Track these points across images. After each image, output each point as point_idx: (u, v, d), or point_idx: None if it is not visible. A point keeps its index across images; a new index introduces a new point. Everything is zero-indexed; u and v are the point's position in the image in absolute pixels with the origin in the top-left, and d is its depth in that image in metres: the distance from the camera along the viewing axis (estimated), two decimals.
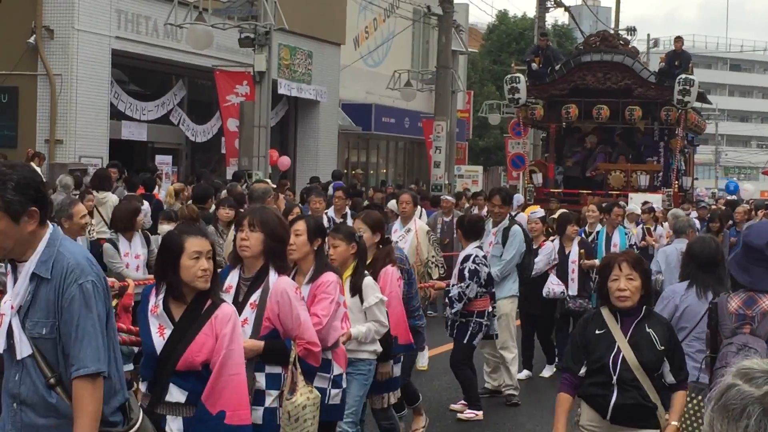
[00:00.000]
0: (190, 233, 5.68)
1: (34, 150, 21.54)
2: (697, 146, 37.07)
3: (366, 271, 8.08)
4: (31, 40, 23.00)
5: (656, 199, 23.55)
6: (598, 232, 15.50)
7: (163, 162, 26.48)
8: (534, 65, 27.13)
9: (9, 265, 4.56)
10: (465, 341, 11.03)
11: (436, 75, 33.36)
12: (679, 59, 26.69)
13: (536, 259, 13.17)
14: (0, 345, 4.49)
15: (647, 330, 6.29)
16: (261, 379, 6.21)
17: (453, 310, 10.98)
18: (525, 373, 13.58)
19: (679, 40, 27.39)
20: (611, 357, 6.25)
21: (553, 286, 13.45)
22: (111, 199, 15.84)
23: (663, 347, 6.26)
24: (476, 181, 36.98)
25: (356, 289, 7.89)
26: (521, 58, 30.61)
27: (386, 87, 34.83)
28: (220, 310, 5.46)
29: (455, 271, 11.19)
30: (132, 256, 10.79)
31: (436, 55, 34.96)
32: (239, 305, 6.10)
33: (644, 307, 6.37)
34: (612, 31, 29.52)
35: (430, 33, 40.22)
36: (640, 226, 19.38)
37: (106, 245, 10.81)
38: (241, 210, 11.95)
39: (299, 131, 33.83)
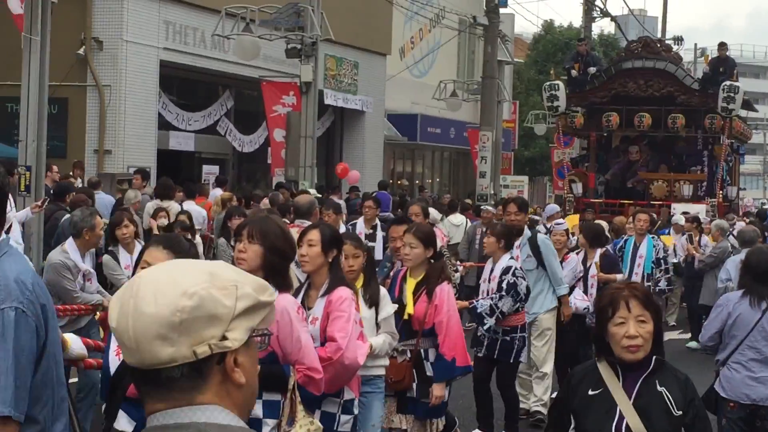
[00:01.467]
0: (152, 243, 5.47)
1: (82, 160, 21.74)
2: (743, 155, 36.66)
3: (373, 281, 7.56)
4: (81, 51, 23.26)
5: (700, 209, 22.98)
6: (626, 242, 14.96)
7: (210, 172, 26.63)
8: (574, 72, 26.88)
9: None
10: (512, 360, 10.29)
11: (482, 85, 33.33)
12: (723, 66, 26.26)
13: (563, 274, 12.51)
14: None
15: (658, 389, 4.78)
16: (258, 407, 5.42)
17: (485, 326, 10.12)
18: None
19: (723, 46, 27.02)
20: (612, 426, 4.75)
21: (576, 301, 12.56)
22: (174, 207, 15.79)
23: (680, 411, 4.75)
24: (522, 191, 36.91)
25: (374, 302, 7.39)
26: (562, 66, 30.44)
27: (432, 97, 34.84)
28: None
29: (486, 286, 10.44)
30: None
31: (481, 66, 34.94)
32: None
33: (654, 357, 4.80)
34: (655, 39, 29.16)
35: (475, 43, 40.21)
36: (684, 236, 18.86)
37: (106, 257, 10.63)
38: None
39: (345, 141, 33.92)
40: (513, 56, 39.70)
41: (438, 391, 8.18)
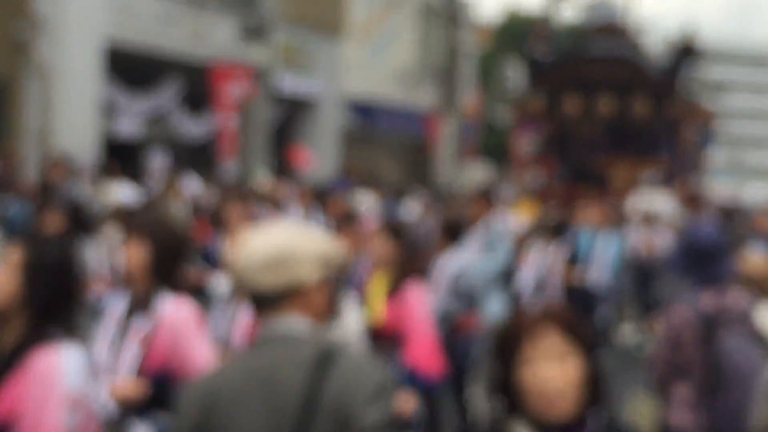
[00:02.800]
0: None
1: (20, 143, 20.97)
2: (708, 143, 36.70)
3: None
4: (21, 30, 22.43)
5: (661, 198, 22.55)
6: (579, 237, 13.23)
7: (157, 159, 25.80)
8: (535, 54, 26.30)
9: None
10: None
11: (444, 72, 32.73)
12: (687, 51, 26.04)
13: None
14: None
15: None
16: (144, 429, 4.93)
17: None
18: None
19: (689, 32, 26.67)
20: None
21: None
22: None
23: None
24: (484, 181, 36.39)
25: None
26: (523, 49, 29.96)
27: (391, 83, 34.18)
28: None
29: None
30: None
31: (442, 51, 34.31)
32: (121, 339, 4.99)
33: (588, 415, 3.26)
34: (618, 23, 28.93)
35: (437, 29, 39.58)
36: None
37: None
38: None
39: (300, 127, 33.14)
40: (475, 43, 39.15)
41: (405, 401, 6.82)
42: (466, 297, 9.18)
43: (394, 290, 7.26)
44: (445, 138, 31.41)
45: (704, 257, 6.04)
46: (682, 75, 24.68)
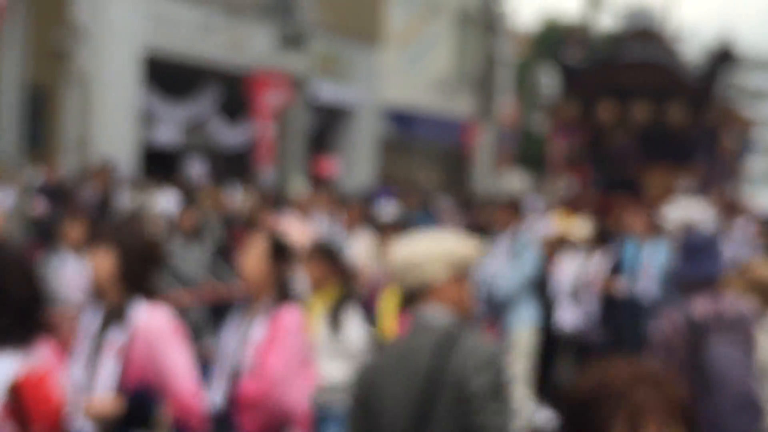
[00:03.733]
0: None
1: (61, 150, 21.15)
2: (747, 152, 36.37)
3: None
4: (61, 40, 22.62)
5: (698, 206, 22.50)
6: (625, 246, 12.88)
7: (194, 166, 25.98)
8: (568, 59, 25.95)
9: None
10: None
11: (481, 80, 32.74)
12: (725, 58, 25.39)
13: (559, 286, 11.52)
14: None
15: None
16: None
17: None
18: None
19: (726, 38, 26.18)
20: None
21: (567, 316, 11.58)
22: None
23: None
24: (521, 189, 36.36)
25: (337, 323, 6.73)
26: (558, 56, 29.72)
27: (428, 91, 34.22)
28: None
29: None
30: None
31: (480, 60, 34.33)
32: (95, 351, 4.81)
33: None
34: (653, 28, 28.53)
35: (474, 37, 39.58)
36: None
37: None
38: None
39: (337, 135, 33.21)
40: (512, 52, 39.15)
41: None
42: (492, 305, 9.14)
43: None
44: (482, 146, 31.42)
45: (696, 254, 6.03)
46: (719, 81, 24.10)
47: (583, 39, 27.86)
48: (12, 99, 15.45)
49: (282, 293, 5.62)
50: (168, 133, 25.87)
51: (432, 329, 4.17)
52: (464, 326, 4.20)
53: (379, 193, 21.96)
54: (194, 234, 12.10)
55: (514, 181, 36.89)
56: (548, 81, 25.58)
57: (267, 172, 23.75)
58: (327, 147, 32.91)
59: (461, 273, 4.26)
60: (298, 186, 22.81)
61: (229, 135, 27.76)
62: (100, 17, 22.81)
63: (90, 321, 4.91)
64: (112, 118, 23.05)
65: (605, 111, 24.65)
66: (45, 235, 12.02)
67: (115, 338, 4.74)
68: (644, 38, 25.44)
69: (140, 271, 4.80)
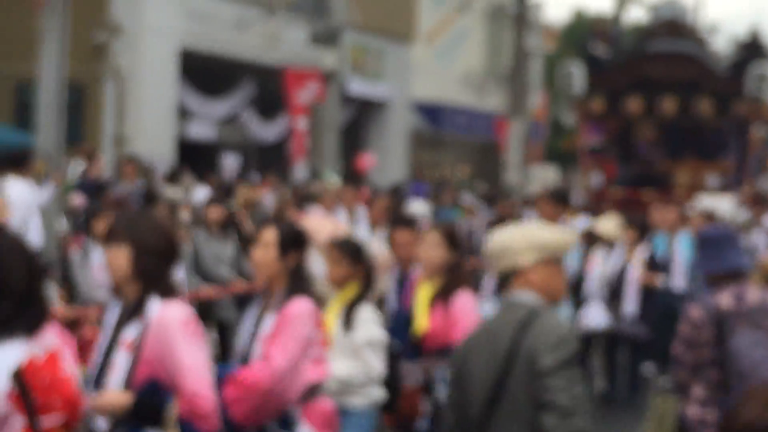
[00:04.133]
0: None
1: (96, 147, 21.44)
2: None
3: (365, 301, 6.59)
4: (99, 37, 22.95)
5: (727, 201, 21.53)
6: (655, 241, 13.03)
7: (230, 161, 26.24)
8: (595, 51, 25.44)
9: None
10: None
11: (511, 74, 32.86)
12: (754, 49, 24.83)
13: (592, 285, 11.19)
14: None
15: None
16: None
17: None
18: None
19: (757, 31, 25.51)
20: None
21: (595, 316, 11.32)
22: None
23: None
24: (550, 184, 36.44)
25: (351, 321, 6.46)
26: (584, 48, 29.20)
27: (459, 86, 34.38)
28: None
29: None
30: None
31: (510, 54, 34.47)
32: (111, 347, 4.75)
33: None
34: (681, 20, 27.67)
35: (504, 31, 39.70)
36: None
37: None
38: None
39: (369, 130, 33.46)
40: (542, 45, 39.23)
41: None
42: None
43: (441, 298, 6.96)
44: (513, 140, 31.58)
45: (712, 247, 6.15)
46: (749, 74, 23.35)
47: (609, 31, 27.52)
48: (51, 96, 15.73)
49: (294, 285, 5.55)
50: (203, 127, 26.20)
51: (517, 309, 4.58)
52: (546, 307, 4.58)
53: (413, 189, 22.10)
54: (221, 229, 12.26)
55: (545, 175, 36.97)
56: (576, 74, 25.16)
57: (300, 166, 24.01)
58: (359, 142, 33.19)
59: (550, 259, 4.65)
60: (330, 181, 23.05)
61: (263, 130, 28.08)
62: (138, 14, 23.17)
63: (110, 317, 4.85)
64: (149, 114, 23.41)
65: (632, 104, 24.21)
66: (82, 229, 12.28)
67: (129, 334, 4.65)
68: (672, 31, 24.83)
69: (155, 266, 4.69)
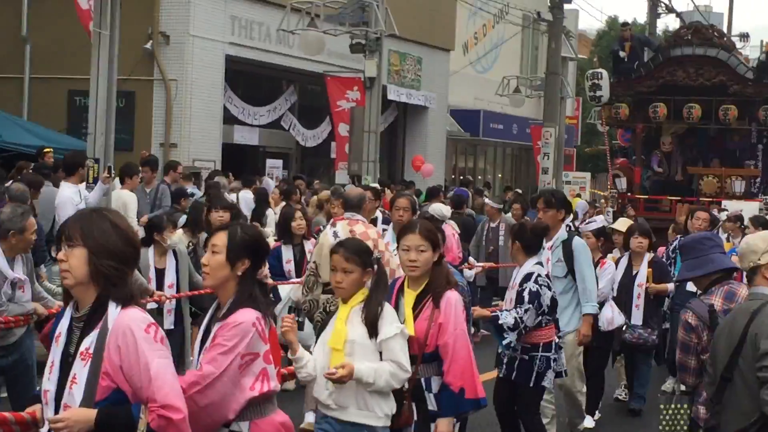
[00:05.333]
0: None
1: (149, 152, 21.96)
2: None
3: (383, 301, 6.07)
4: (148, 45, 23.54)
5: (752, 207, 21.15)
6: (675, 246, 12.75)
7: (274, 166, 26.86)
8: (622, 53, 24.88)
9: None
10: (532, 384, 8.59)
11: (545, 81, 33.25)
12: None
13: (600, 285, 10.50)
14: None
15: None
16: None
17: (505, 342, 8.48)
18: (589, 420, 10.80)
19: None
20: None
21: (613, 314, 10.79)
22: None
23: None
24: (584, 188, 36.81)
25: (371, 322, 5.94)
26: (609, 51, 28.69)
27: (495, 93, 34.80)
28: None
29: (508, 294, 8.84)
30: None
31: (545, 62, 34.89)
32: (68, 356, 4.34)
33: None
34: (707, 25, 26.42)
35: (539, 39, 40.13)
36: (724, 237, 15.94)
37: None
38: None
39: (408, 137, 34.00)
40: (577, 52, 39.61)
41: (444, 427, 6.37)
42: (543, 308, 8.60)
43: (427, 301, 6.44)
44: (547, 146, 31.96)
45: (696, 252, 6.31)
46: None
47: (637, 35, 26.74)
48: (102, 103, 16.21)
49: (242, 295, 5.04)
50: (248, 133, 26.77)
51: (755, 300, 5.64)
52: None
53: (458, 191, 22.39)
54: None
55: (578, 182, 37.35)
56: (594, 76, 24.72)
57: (342, 171, 24.52)
58: (399, 148, 33.74)
59: None
60: (368, 183, 23.51)
61: (306, 135, 28.65)
62: (185, 23, 23.74)
63: (61, 325, 4.45)
64: (197, 120, 23.97)
65: (658, 108, 23.71)
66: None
67: (87, 342, 4.27)
68: (700, 35, 24.24)
69: (111, 269, 4.30)
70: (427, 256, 6.43)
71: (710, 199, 22.46)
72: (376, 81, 24.20)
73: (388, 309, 6.03)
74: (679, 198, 22.99)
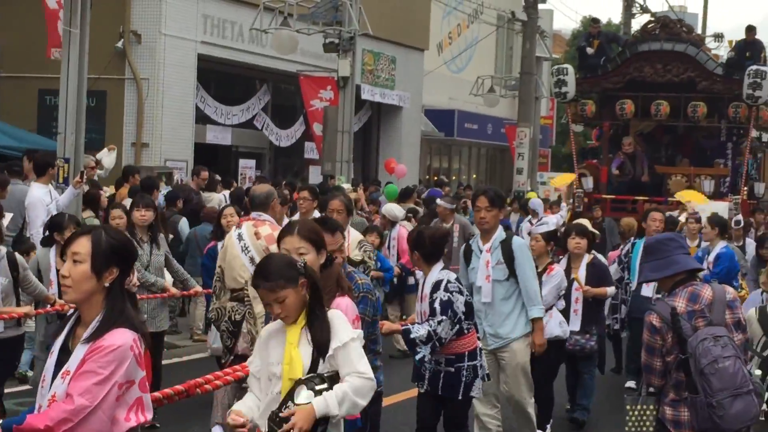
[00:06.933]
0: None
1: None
2: None
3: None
4: (119, 44, 23.32)
5: (722, 207, 20.72)
6: (633, 245, 12.35)
7: (247, 166, 26.70)
8: (590, 49, 24.51)
9: None
10: (461, 396, 8.14)
11: (520, 81, 33.23)
12: (750, 49, 23.79)
13: (544, 292, 9.90)
14: None
15: None
16: None
17: (418, 357, 7.98)
18: None
19: (751, 29, 24.16)
20: None
21: (552, 325, 10.23)
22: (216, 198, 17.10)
23: None
24: (559, 189, 36.76)
25: (320, 343, 5.14)
26: (576, 47, 28.17)
27: (469, 93, 34.78)
28: None
29: (419, 306, 8.29)
30: None
31: (519, 61, 34.85)
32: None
33: None
34: (675, 19, 25.88)
35: (514, 39, 40.08)
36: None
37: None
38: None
39: (382, 137, 33.89)
40: (551, 52, 39.56)
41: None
42: (451, 316, 8.06)
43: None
44: (522, 146, 31.94)
45: (659, 252, 6.23)
46: (745, 75, 22.06)
47: (605, 31, 26.33)
48: (72, 102, 16.06)
49: (112, 312, 4.38)
50: (221, 132, 26.61)
51: None
52: None
53: (432, 192, 22.34)
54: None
55: (551, 179, 37.31)
56: (560, 72, 24.08)
57: (315, 171, 24.42)
58: (372, 146, 33.62)
59: None
60: (342, 184, 23.41)
61: (279, 135, 28.50)
62: (156, 22, 23.55)
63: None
64: (169, 120, 23.79)
65: (626, 106, 23.27)
66: None
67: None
68: (668, 30, 23.81)
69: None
70: (310, 258, 5.68)
71: (678, 200, 21.87)
72: (350, 80, 24.08)
73: (334, 316, 5.24)
74: (646, 198, 22.56)
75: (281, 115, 28.93)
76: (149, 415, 4.42)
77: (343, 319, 5.26)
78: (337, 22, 23.89)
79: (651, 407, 6.27)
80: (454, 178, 39.89)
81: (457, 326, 8.00)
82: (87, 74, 16.22)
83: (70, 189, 13.98)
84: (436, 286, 8.04)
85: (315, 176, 24.97)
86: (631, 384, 12.15)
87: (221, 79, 27.10)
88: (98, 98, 22.85)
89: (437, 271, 8.16)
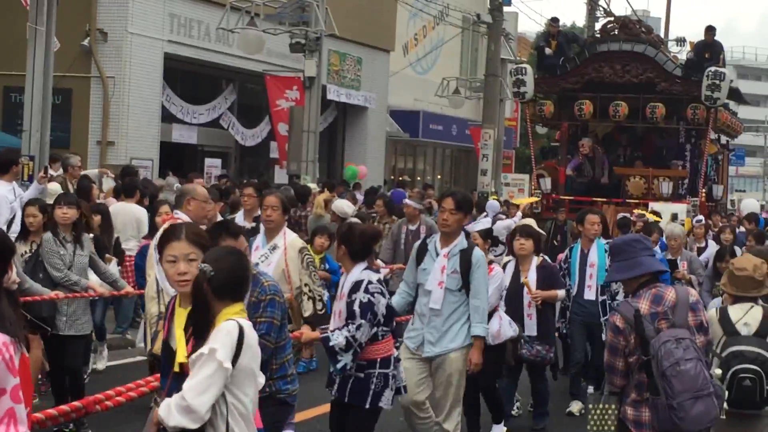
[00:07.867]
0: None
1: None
2: (732, 152, 34.26)
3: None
4: (85, 42, 23.32)
5: (680, 209, 21.38)
6: (571, 249, 11.97)
7: (213, 165, 26.73)
8: (548, 50, 24.34)
9: None
10: (368, 405, 7.56)
11: (485, 83, 33.39)
12: (709, 51, 23.74)
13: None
14: None
15: None
16: None
17: (339, 365, 7.45)
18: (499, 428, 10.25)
19: (710, 30, 24.10)
20: None
21: (501, 325, 9.90)
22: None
23: None
24: (522, 189, 36.91)
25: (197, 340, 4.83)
26: (535, 45, 28.10)
27: (434, 94, 34.90)
28: None
29: (336, 306, 7.75)
30: None
31: (484, 63, 35.00)
32: None
33: None
34: (634, 19, 26.01)
35: (479, 41, 40.22)
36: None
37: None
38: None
39: (347, 137, 33.98)
40: (516, 55, 39.77)
41: None
42: (371, 319, 7.60)
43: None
44: (486, 147, 32.10)
45: (624, 254, 6.28)
46: (706, 78, 22.14)
47: (564, 31, 26.42)
48: (37, 100, 16.10)
49: None
50: (186, 132, 26.62)
51: None
52: None
53: (394, 196, 22.39)
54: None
55: (517, 183, 37.48)
56: (518, 72, 23.86)
57: (281, 170, 24.48)
58: (338, 146, 33.71)
59: None
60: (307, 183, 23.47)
61: (245, 134, 28.54)
62: (123, 19, 23.54)
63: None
64: (134, 118, 23.79)
65: (584, 106, 23.14)
66: None
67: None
68: (627, 31, 23.76)
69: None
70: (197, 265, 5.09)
71: (637, 201, 22.06)
72: (316, 81, 24.19)
73: (222, 328, 4.70)
74: (605, 200, 22.46)
75: (247, 114, 28.97)
76: (23, 429, 3.86)
77: (228, 336, 4.67)
78: (304, 23, 23.98)
79: (613, 407, 6.31)
80: (419, 178, 39.99)
81: (374, 330, 7.49)
82: (53, 72, 16.26)
83: (34, 184, 13.99)
84: (356, 287, 7.51)
85: (280, 176, 25.00)
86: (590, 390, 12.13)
87: (187, 78, 27.11)
88: (64, 96, 22.82)
89: (359, 271, 7.60)
